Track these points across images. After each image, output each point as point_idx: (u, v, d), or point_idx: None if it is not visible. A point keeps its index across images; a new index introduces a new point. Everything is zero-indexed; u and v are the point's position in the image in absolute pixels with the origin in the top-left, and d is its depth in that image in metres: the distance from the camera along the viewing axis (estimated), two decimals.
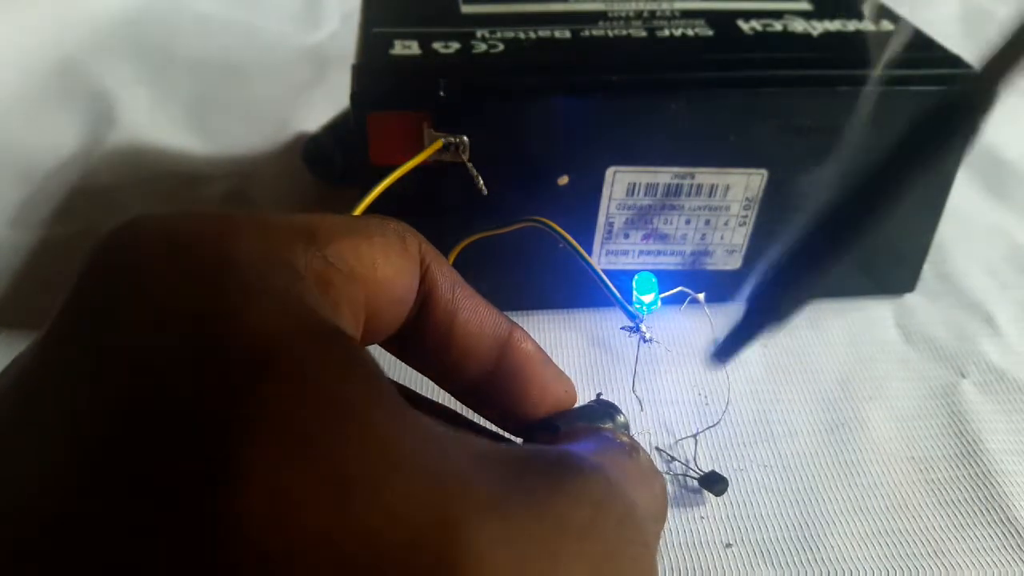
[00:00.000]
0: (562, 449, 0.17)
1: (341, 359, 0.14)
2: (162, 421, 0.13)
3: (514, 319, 0.22)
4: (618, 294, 0.25)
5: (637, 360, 0.27)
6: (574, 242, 0.25)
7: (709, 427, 0.33)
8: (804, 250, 0.18)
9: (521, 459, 0.15)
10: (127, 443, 0.12)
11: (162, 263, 0.15)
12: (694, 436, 0.32)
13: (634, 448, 0.19)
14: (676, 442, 0.33)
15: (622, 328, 0.26)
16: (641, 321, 0.26)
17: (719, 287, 0.39)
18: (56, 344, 0.14)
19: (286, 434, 0.12)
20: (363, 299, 0.18)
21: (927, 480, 0.32)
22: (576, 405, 0.23)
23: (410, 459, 0.13)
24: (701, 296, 0.29)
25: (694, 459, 0.31)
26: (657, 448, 0.32)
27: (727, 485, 0.31)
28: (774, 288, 0.19)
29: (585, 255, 0.25)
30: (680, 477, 0.31)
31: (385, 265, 0.18)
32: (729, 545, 0.29)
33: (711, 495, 0.30)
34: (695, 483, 0.31)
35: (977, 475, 0.32)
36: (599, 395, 0.25)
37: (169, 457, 0.12)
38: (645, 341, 0.26)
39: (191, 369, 0.13)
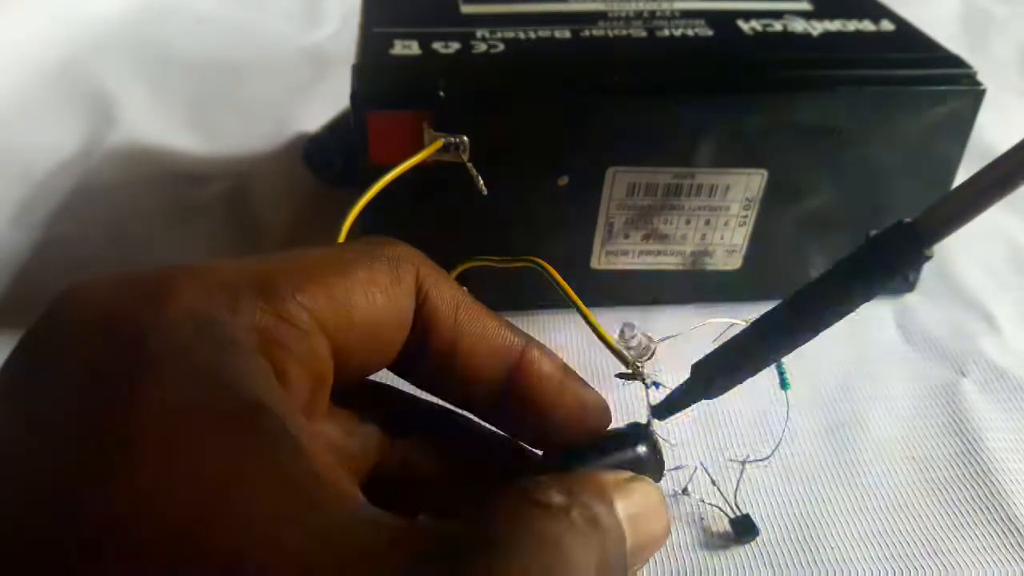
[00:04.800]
0: (479, 534, 0.15)
1: (244, 445, 0.14)
2: (31, 539, 0.13)
3: (514, 320, 0.21)
4: (612, 342, 0.24)
5: (648, 402, 0.25)
6: (568, 288, 0.24)
7: (759, 460, 0.31)
8: (742, 347, 0.21)
9: (423, 553, 0.14)
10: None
11: (82, 341, 0.15)
12: (742, 462, 0.31)
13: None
14: (722, 465, 0.32)
15: (617, 375, 0.24)
16: (641, 367, 0.23)
17: (719, 287, 0.39)
18: None
19: (161, 538, 0.12)
20: (325, 352, 0.17)
21: (927, 480, 0.32)
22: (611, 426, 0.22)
23: (298, 557, 0.12)
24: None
25: (735, 495, 0.30)
26: (706, 470, 0.31)
27: (757, 535, 0.29)
28: (713, 370, 0.22)
29: (578, 302, 0.24)
30: (711, 507, 0.30)
31: (366, 306, 0.17)
32: (729, 547, 0.29)
33: (714, 495, 0.30)
34: (722, 514, 0.30)
35: (977, 475, 0.32)
36: (651, 417, 0.24)
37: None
38: (648, 387, 0.24)
39: (74, 473, 0.13)
